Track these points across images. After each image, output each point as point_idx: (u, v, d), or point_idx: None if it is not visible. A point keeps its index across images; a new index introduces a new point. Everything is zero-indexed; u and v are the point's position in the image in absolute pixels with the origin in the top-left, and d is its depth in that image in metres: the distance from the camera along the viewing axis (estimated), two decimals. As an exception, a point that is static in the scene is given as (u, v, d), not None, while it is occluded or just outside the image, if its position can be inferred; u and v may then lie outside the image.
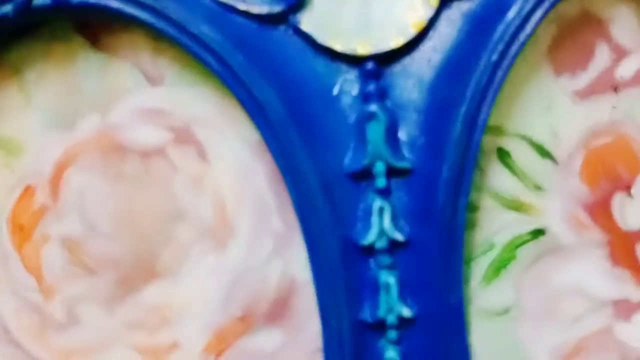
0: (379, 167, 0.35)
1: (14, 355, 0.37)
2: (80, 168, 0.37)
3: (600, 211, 0.36)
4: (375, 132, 0.35)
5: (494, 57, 0.34)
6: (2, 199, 0.37)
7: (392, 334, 0.34)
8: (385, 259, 0.35)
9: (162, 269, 0.37)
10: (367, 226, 0.35)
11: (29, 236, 0.37)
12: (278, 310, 0.36)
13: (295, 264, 0.36)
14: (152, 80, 0.37)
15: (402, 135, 0.35)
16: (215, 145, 0.37)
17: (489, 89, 0.34)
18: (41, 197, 0.37)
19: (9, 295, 0.37)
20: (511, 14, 0.34)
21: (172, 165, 0.37)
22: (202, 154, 0.37)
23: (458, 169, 0.34)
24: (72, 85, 0.37)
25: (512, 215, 0.36)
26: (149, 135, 0.37)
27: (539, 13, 0.34)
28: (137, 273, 0.37)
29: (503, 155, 0.36)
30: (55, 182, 0.37)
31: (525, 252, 0.36)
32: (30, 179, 0.37)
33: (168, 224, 0.37)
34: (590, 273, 0.36)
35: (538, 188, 0.36)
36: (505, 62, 0.34)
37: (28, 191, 0.37)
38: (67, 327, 0.37)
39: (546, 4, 0.34)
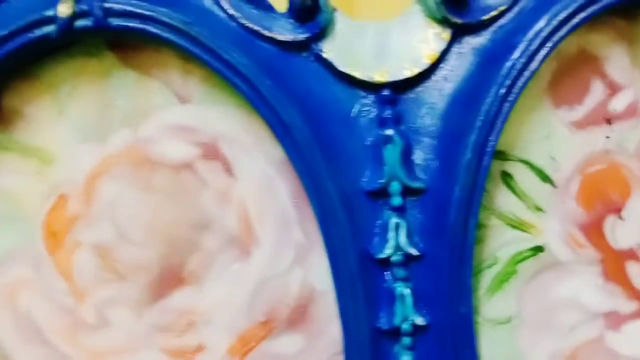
0: (395, 187, 0.37)
1: (47, 355, 0.38)
2: (112, 179, 0.38)
3: (594, 231, 0.38)
4: (392, 154, 0.37)
5: (502, 90, 0.36)
6: (37, 205, 0.38)
7: (407, 341, 0.37)
8: (401, 272, 0.37)
9: (189, 276, 0.38)
10: (383, 241, 0.37)
11: (61, 242, 0.38)
12: (298, 316, 0.38)
13: (314, 274, 0.38)
14: (182, 98, 0.38)
15: (416, 158, 0.37)
16: (241, 161, 0.38)
17: (497, 119, 0.36)
18: (74, 205, 0.38)
19: (43, 298, 0.38)
20: (517, 52, 0.36)
21: (199, 178, 0.38)
22: (228, 169, 0.38)
23: (468, 190, 0.36)
24: (105, 100, 0.38)
25: (514, 233, 0.38)
26: (177, 150, 0.38)
27: (542, 52, 0.36)
28: (165, 279, 0.38)
29: (507, 178, 0.38)
30: (88, 191, 0.38)
31: (526, 267, 0.38)
32: (63, 187, 0.38)
33: (195, 234, 0.38)
34: (585, 287, 0.38)
35: (538, 209, 0.38)
36: (512, 96, 0.36)
37: (61, 199, 0.38)
38: (98, 329, 0.38)
39: (549, 44, 0.36)
